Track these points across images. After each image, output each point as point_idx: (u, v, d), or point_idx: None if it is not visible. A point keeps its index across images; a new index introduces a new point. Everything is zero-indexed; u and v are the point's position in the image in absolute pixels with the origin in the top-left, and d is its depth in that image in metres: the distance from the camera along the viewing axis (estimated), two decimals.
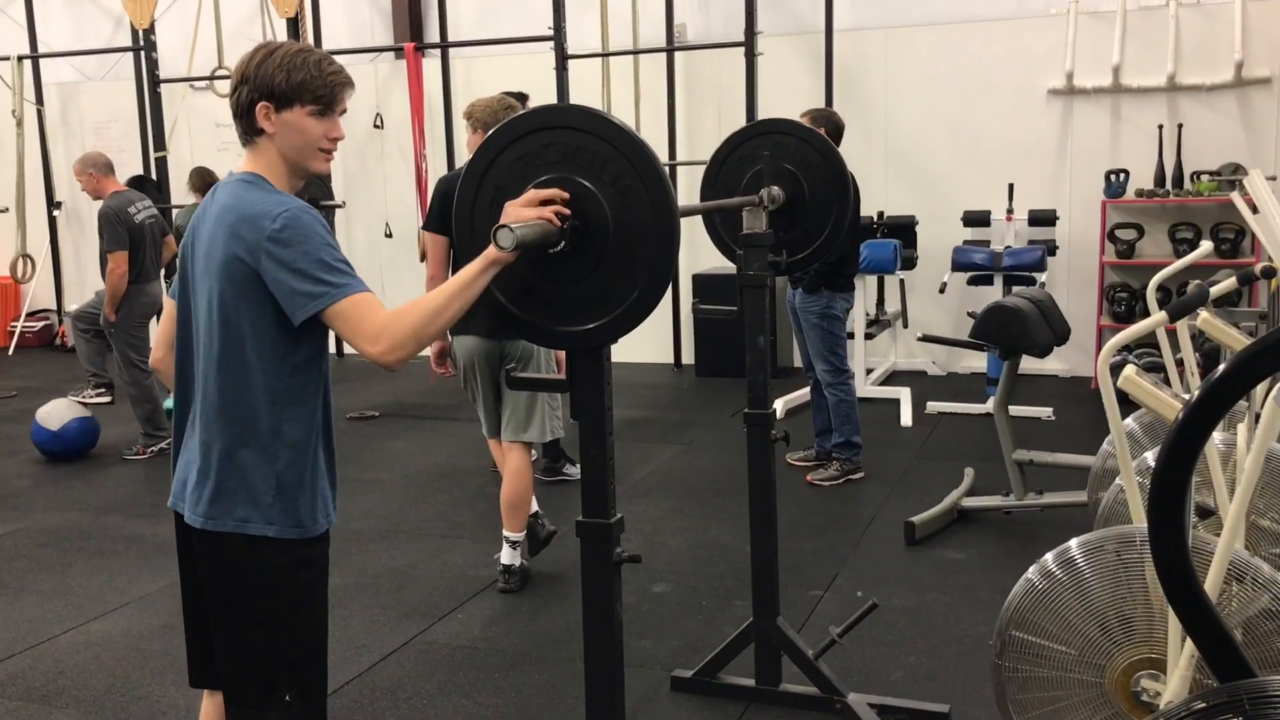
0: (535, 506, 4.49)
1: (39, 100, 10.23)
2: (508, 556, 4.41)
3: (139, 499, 5.74)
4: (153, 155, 9.05)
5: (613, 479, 2.19)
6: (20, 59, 9.74)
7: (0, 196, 8.94)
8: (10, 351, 10.42)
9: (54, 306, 10.79)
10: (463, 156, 8.48)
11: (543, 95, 6.93)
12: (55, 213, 10.48)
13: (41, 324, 10.83)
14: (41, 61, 10.14)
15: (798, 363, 8.49)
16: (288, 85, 2.13)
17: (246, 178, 2.18)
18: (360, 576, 4.53)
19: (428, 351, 4.39)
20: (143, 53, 8.88)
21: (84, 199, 10.50)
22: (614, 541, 2.20)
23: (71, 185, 10.62)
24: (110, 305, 6.41)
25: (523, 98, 5.15)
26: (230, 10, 9.26)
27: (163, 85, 8.88)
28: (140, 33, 8.78)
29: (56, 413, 6.53)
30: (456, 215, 2.18)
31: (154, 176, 8.99)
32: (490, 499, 4.94)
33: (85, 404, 7.20)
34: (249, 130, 2.19)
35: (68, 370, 8.55)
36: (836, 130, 5.34)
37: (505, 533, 4.41)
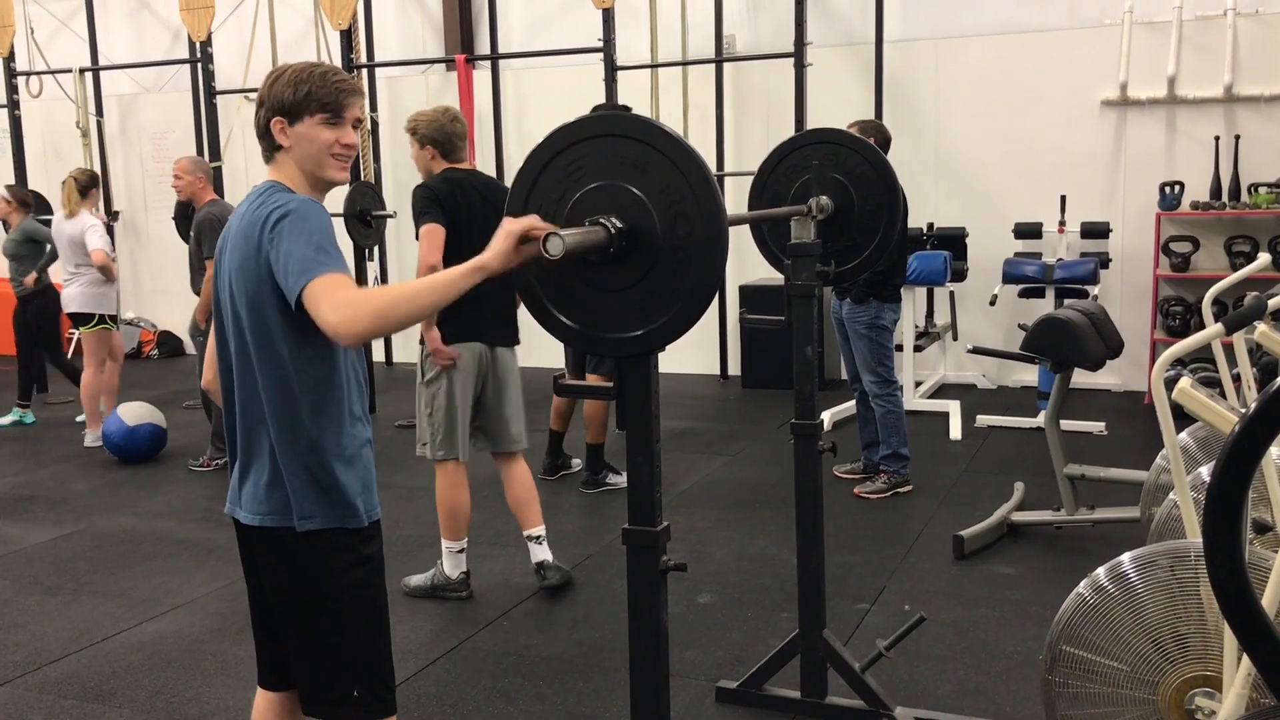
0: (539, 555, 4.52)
1: (99, 111, 10.44)
2: (538, 553, 4.45)
3: (192, 505, 5.82)
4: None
5: (659, 487, 2.19)
6: (82, 71, 9.94)
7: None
8: (69, 357, 10.60)
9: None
10: (513, 167, 8.54)
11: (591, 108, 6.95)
12: (114, 223, 10.68)
13: None
14: (102, 74, 10.35)
15: (845, 375, 8.46)
16: (295, 98, 2.23)
17: (263, 186, 2.28)
18: None
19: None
20: (200, 64, 9.03)
21: (142, 210, 10.73)
22: (660, 550, 2.20)
23: (130, 196, 10.86)
24: (203, 312, 6.11)
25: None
26: (285, 23, 9.40)
27: (219, 96, 9.02)
28: (197, 45, 8.93)
29: (135, 411, 6.69)
30: (508, 212, 2.18)
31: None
32: (540, 505, 4.95)
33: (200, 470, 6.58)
34: (270, 148, 2.29)
35: (124, 376, 8.69)
36: (885, 142, 5.32)
37: (527, 532, 4.46)
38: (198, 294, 6.24)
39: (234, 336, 2.27)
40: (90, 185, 7.18)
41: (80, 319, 7.14)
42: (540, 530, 4.47)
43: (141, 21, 10.68)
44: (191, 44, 9.09)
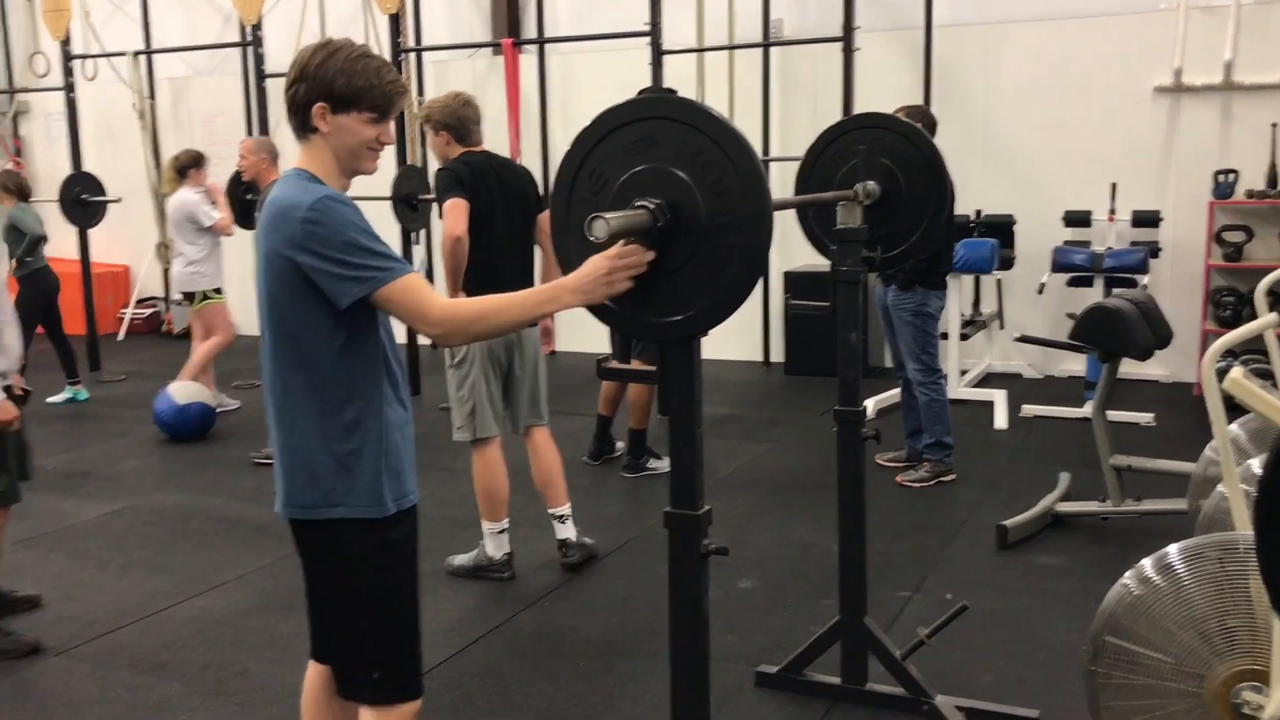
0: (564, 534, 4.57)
1: (152, 95, 10.57)
2: (562, 531, 4.50)
3: (240, 483, 5.91)
4: None
5: (701, 471, 2.20)
6: (136, 55, 10.07)
7: (114, 187, 9.25)
8: (120, 337, 10.79)
9: (162, 295, 11.15)
10: (557, 150, 8.56)
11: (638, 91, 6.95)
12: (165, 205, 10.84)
13: (150, 311, 11.20)
14: (155, 57, 10.48)
15: (889, 362, 8.42)
16: (348, 91, 2.18)
17: (292, 174, 2.25)
18: None
19: None
20: (250, 48, 9.11)
21: None
22: (702, 533, 2.20)
23: None
24: None
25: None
26: (334, 7, 9.47)
27: (268, 80, 9.10)
28: (248, 29, 9.01)
29: (186, 391, 6.81)
30: (554, 197, 2.20)
31: None
32: (582, 490, 4.99)
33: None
34: (303, 126, 2.24)
35: (174, 356, 8.78)
36: (930, 128, 5.28)
37: (551, 510, 4.51)
38: None
39: (263, 326, 2.28)
40: (189, 165, 7.27)
41: (188, 298, 7.34)
42: (564, 509, 4.51)
43: (193, 6, 10.79)
44: (242, 28, 9.17)
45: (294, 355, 2.23)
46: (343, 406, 2.23)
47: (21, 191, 7.85)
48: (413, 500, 2.37)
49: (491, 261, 4.28)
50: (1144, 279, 7.12)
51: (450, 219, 4.15)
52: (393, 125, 2.30)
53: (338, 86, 2.18)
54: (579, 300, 2.09)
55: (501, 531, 4.44)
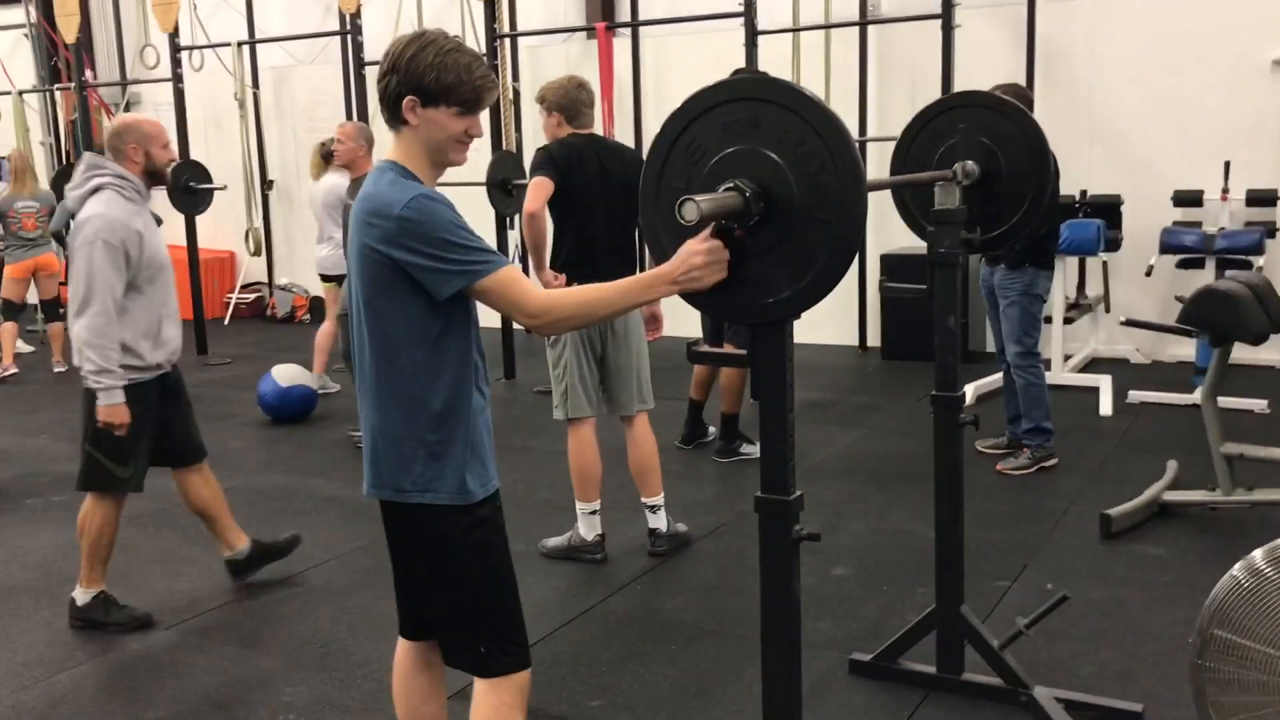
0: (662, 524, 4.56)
1: (255, 84, 10.82)
2: (653, 520, 4.51)
3: (341, 464, 6.03)
4: None
5: (792, 456, 2.17)
6: (240, 45, 10.32)
7: (219, 175, 9.50)
8: (226, 322, 11.10)
9: (265, 280, 11.43)
10: (650, 133, 8.54)
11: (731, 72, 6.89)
12: (269, 191, 11.11)
13: (254, 296, 11.50)
14: (258, 47, 10.72)
15: (990, 347, 8.24)
16: (437, 86, 2.20)
17: (385, 166, 2.27)
18: None
19: None
20: (349, 36, 9.26)
21: (295, 179, 11.10)
22: (793, 518, 2.18)
23: (284, 165, 11.25)
24: None
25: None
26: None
27: (367, 68, 9.24)
28: (347, 17, 9.16)
29: (289, 374, 6.98)
30: (645, 175, 2.18)
31: None
32: (674, 475, 4.99)
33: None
34: (394, 118, 2.26)
35: (278, 340, 9.03)
36: (1028, 106, 5.15)
37: (644, 499, 4.52)
38: None
39: (355, 315, 2.33)
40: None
41: (326, 279, 7.47)
42: (657, 500, 4.51)
43: None
44: (342, 16, 9.32)
45: (387, 346, 2.27)
46: (433, 397, 2.27)
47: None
48: (495, 485, 2.42)
49: (585, 243, 4.33)
50: (1259, 261, 6.86)
51: (529, 196, 4.28)
52: (485, 116, 2.34)
53: (427, 81, 2.20)
54: (674, 290, 2.11)
55: (593, 513, 4.46)
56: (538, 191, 4.27)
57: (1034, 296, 5.37)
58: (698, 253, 2.06)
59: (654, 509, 4.53)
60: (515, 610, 2.45)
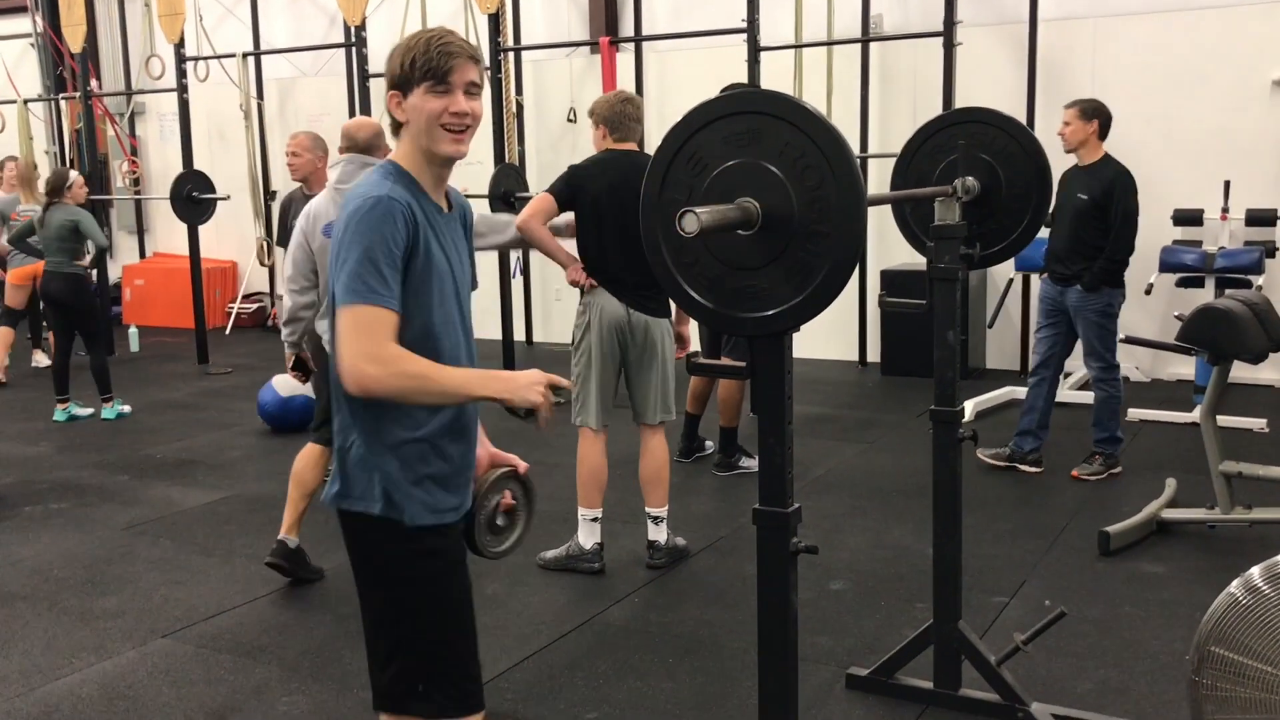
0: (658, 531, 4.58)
1: (260, 95, 10.86)
2: (653, 532, 4.52)
3: None
4: None
5: (790, 468, 2.18)
6: (245, 56, 10.36)
7: (223, 185, 9.53)
8: (228, 331, 11.11)
9: (267, 290, 11.46)
10: (652, 147, 8.56)
11: (722, 88, 6.92)
12: (272, 202, 11.12)
13: (256, 305, 11.52)
14: (263, 58, 10.76)
15: (990, 363, 8.25)
16: (404, 69, 2.10)
17: (385, 166, 2.18)
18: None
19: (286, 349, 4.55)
20: (354, 48, 9.30)
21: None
22: (791, 531, 2.19)
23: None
24: None
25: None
26: (436, 6, 9.60)
27: (372, 80, 9.28)
28: (352, 29, 9.21)
29: (290, 384, 6.97)
30: (647, 187, 2.18)
31: None
32: (673, 487, 4.98)
33: None
34: (395, 125, 2.18)
35: (279, 350, 8.95)
36: (1108, 122, 5.55)
37: (649, 509, 4.53)
38: None
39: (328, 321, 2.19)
40: None
41: None
42: (660, 511, 4.52)
43: (300, 7, 11.07)
44: (347, 28, 9.36)
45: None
46: (382, 412, 2.12)
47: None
48: (452, 518, 2.22)
49: (601, 257, 4.40)
50: (1259, 280, 6.87)
51: (526, 208, 4.48)
52: (486, 129, 2.25)
53: (397, 70, 2.11)
54: (501, 395, 2.06)
55: (595, 520, 4.48)
56: (534, 205, 4.42)
57: (1111, 315, 5.54)
58: (538, 377, 2.08)
59: (656, 520, 4.53)
60: (465, 653, 2.24)
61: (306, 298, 4.34)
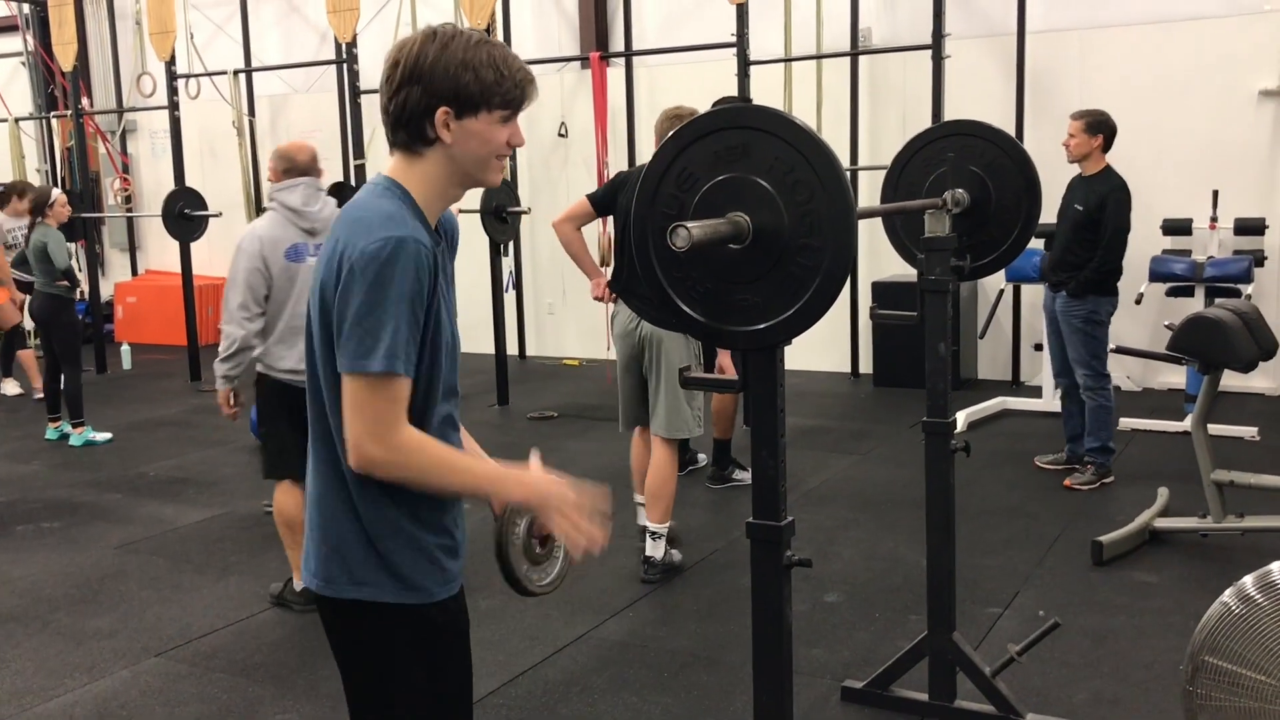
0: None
1: (251, 112, 10.87)
2: (649, 548, 4.53)
3: None
4: (352, 163, 9.49)
5: (784, 481, 2.18)
6: (236, 73, 10.37)
7: (215, 202, 9.53)
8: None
9: None
10: (643, 162, 8.59)
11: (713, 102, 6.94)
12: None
13: None
14: (254, 75, 10.77)
15: (982, 374, 8.27)
16: (477, 87, 1.78)
17: (384, 186, 1.84)
18: None
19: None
20: (345, 65, 9.32)
21: None
22: (784, 544, 2.19)
23: None
24: None
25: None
26: (426, 22, 9.62)
27: (363, 96, 9.29)
28: (343, 46, 9.22)
29: None
30: (642, 185, 2.16)
31: (353, 183, 9.42)
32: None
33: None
34: (416, 138, 1.81)
35: None
36: (1113, 135, 5.63)
37: (648, 524, 4.55)
38: None
39: (307, 364, 1.89)
40: None
41: None
42: (659, 527, 4.53)
43: (291, 24, 11.08)
44: (338, 45, 9.38)
45: (323, 404, 1.85)
46: (362, 477, 1.82)
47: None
48: (449, 590, 1.94)
49: (623, 266, 4.57)
50: (1248, 289, 6.90)
51: (565, 210, 4.78)
52: (527, 131, 2.00)
53: (465, 84, 1.77)
54: (521, 497, 1.87)
55: (641, 504, 4.74)
56: (570, 208, 4.74)
57: (1096, 323, 5.58)
58: (571, 499, 1.86)
59: (655, 535, 4.53)
60: None
61: (257, 324, 4.17)
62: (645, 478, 4.62)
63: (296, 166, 4.33)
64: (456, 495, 1.88)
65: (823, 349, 8.52)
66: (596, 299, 4.88)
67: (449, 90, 1.78)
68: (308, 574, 1.93)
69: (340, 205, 6.73)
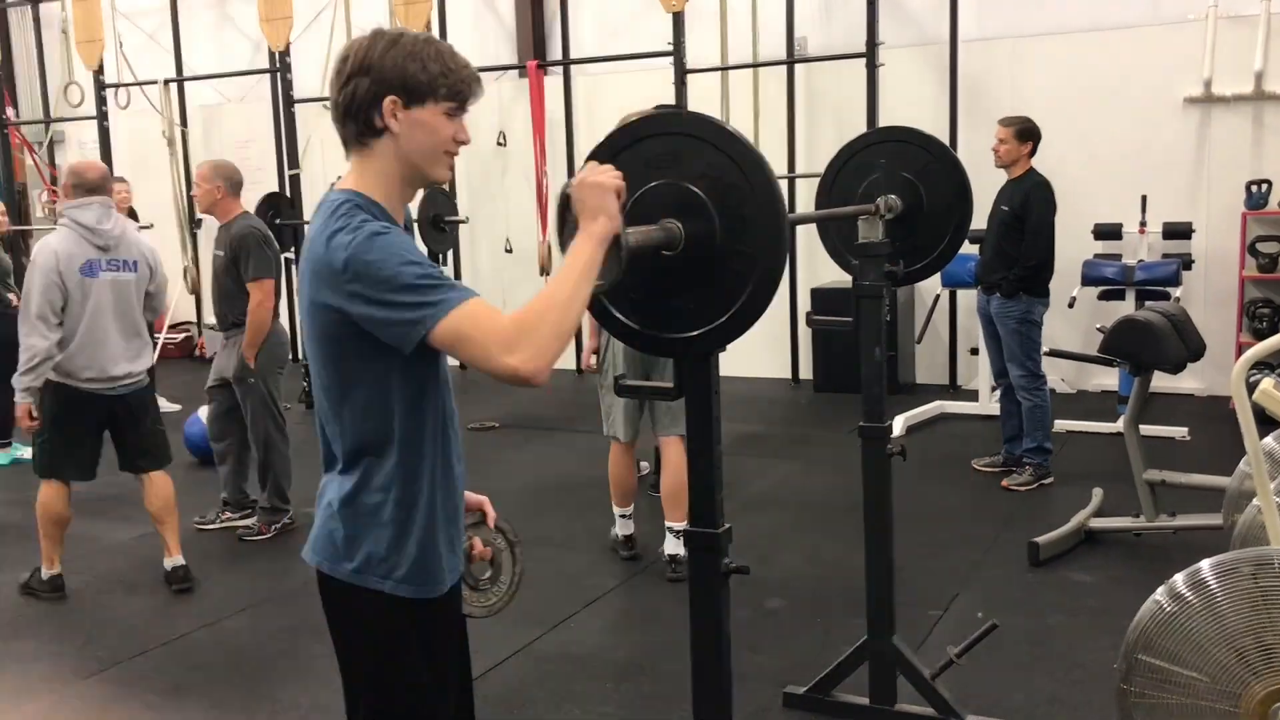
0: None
1: (184, 122, 10.70)
2: (672, 546, 4.55)
3: None
4: (287, 173, 9.37)
5: (720, 489, 2.17)
6: (167, 83, 10.20)
7: (146, 214, 9.35)
8: (154, 362, 10.87)
9: (194, 319, 11.25)
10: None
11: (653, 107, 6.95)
12: (197, 230, 10.94)
13: (183, 336, 11.31)
14: (186, 85, 10.60)
15: (920, 379, 8.35)
16: (424, 77, 1.84)
17: (339, 199, 1.87)
18: None
19: None
20: (279, 74, 9.21)
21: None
22: (722, 551, 2.18)
23: None
24: (252, 346, 5.33)
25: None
26: (361, 31, 9.54)
27: (297, 105, 9.19)
28: (277, 55, 9.11)
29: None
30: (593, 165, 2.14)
31: (287, 194, 9.30)
32: (604, 508, 4.97)
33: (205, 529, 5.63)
34: (366, 131, 1.87)
35: (204, 380, 8.83)
36: (1038, 141, 5.83)
37: (668, 523, 4.56)
38: (231, 327, 5.49)
39: (315, 381, 1.98)
40: None
41: None
42: (678, 525, 4.51)
43: (224, 34, 10.93)
44: (271, 54, 9.27)
45: (335, 402, 1.94)
46: (370, 468, 1.95)
47: None
48: (442, 589, 2.08)
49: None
50: (1176, 292, 7.04)
51: None
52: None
53: (411, 74, 1.83)
54: (601, 225, 1.86)
55: (624, 516, 4.81)
56: None
57: (1030, 323, 5.67)
58: (591, 176, 1.88)
59: (678, 535, 4.52)
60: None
61: (56, 335, 4.34)
62: (628, 489, 4.79)
63: (86, 184, 4.41)
64: (588, 298, 1.86)
65: (764, 355, 8.56)
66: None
67: (396, 79, 1.84)
68: (313, 554, 2.02)
69: (272, 218, 6.65)
